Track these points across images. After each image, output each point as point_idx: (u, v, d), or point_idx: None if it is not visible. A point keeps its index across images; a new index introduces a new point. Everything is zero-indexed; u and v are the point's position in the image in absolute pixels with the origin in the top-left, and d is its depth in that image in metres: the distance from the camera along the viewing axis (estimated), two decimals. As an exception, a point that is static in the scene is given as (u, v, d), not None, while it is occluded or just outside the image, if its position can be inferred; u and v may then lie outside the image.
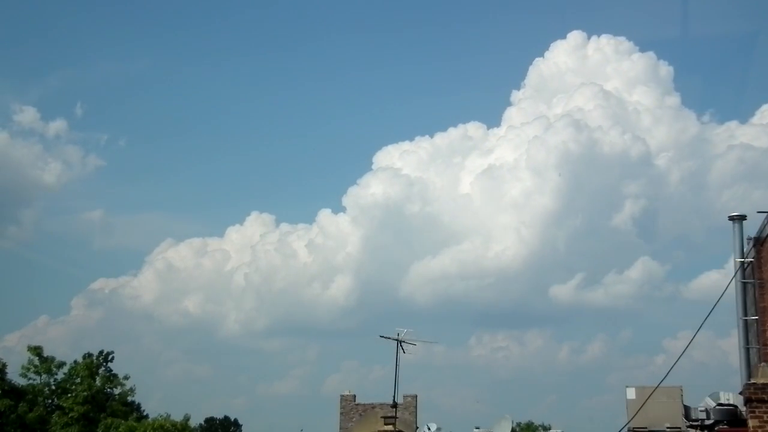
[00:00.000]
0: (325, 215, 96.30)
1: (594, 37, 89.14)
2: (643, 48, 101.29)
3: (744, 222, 17.63)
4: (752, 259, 17.58)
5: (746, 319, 17.34)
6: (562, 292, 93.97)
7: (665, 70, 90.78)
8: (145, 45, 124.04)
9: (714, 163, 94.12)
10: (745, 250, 17.72)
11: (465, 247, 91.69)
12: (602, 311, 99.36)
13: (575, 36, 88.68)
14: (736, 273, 17.40)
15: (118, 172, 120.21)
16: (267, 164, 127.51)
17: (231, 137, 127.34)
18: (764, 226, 17.36)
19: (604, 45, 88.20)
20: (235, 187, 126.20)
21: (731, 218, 17.75)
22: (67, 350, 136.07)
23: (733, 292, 17.43)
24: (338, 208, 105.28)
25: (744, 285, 17.43)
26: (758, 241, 17.53)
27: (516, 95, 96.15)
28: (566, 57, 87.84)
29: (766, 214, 17.30)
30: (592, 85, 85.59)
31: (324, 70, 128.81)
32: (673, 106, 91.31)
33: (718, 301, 16.65)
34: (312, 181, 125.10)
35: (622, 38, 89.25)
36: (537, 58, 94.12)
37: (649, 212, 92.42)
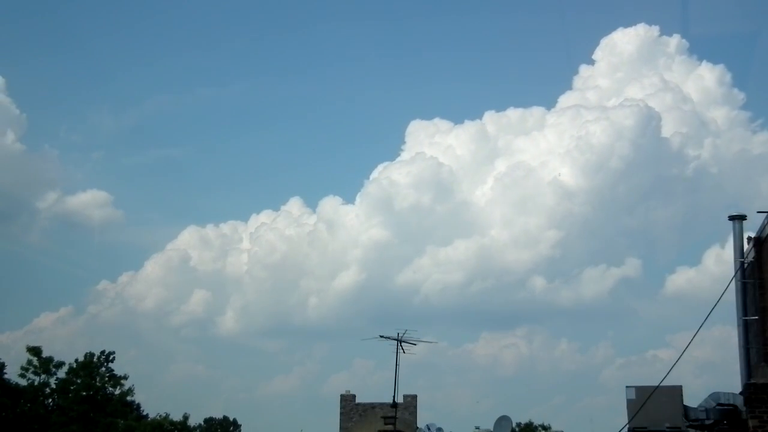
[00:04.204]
0: (335, 207, 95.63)
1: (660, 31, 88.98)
2: (714, 60, 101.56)
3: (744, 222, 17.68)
4: (752, 259, 17.56)
5: (746, 319, 17.33)
6: (564, 291, 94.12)
7: (737, 94, 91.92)
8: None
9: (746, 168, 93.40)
10: (745, 250, 17.72)
11: (476, 245, 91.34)
12: (604, 310, 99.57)
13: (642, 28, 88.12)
14: (736, 273, 17.38)
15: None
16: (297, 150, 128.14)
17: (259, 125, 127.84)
18: (764, 226, 17.35)
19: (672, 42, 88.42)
20: (268, 174, 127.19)
21: (731, 218, 17.74)
22: (68, 349, 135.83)
23: (733, 292, 17.46)
24: (351, 199, 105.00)
25: (744, 285, 17.42)
26: (758, 241, 17.51)
27: (568, 85, 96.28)
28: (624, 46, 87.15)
29: (766, 214, 17.29)
30: (651, 77, 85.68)
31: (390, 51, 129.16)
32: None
33: (718, 301, 16.66)
34: (329, 172, 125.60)
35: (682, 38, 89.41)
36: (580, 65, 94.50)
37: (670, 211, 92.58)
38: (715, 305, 16.50)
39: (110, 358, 59.80)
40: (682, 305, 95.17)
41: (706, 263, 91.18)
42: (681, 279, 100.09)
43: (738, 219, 17.70)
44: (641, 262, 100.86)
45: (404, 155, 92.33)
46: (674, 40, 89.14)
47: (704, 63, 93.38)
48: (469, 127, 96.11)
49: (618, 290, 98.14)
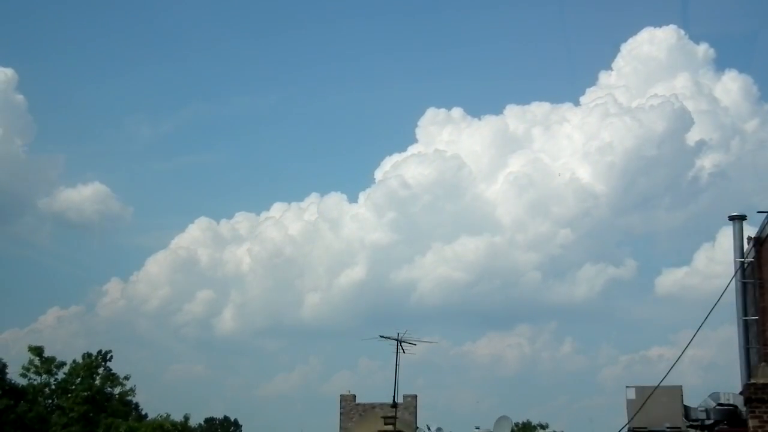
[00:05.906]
0: (341, 204, 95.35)
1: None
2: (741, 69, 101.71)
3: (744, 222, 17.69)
4: (752, 259, 17.57)
5: (746, 319, 17.35)
6: (564, 291, 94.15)
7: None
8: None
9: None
10: (745, 250, 17.73)
11: (481, 244, 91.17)
12: (605, 310, 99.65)
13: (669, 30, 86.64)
14: (736, 273, 17.40)
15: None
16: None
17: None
18: (764, 226, 17.37)
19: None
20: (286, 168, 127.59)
21: (731, 218, 17.75)
22: (68, 348, 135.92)
23: (733, 292, 17.47)
24: (354, 198, 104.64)
25: (744, 285, 17.43)
26: (758, 241, 17.53)
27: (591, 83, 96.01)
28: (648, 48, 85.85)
29: (766, 214, 17.31)
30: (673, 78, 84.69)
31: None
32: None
33: (718, 301, 16.68)
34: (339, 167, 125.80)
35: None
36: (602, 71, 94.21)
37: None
38: (715, 305, 16.54)
39: (108, 357, 59.71)
40: (683, 305, 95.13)
41: (708, 263, 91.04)
42: (685, 278, 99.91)
43: (738, 219, 17.71)
44: (638, 263, 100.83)
45: (414, 148, 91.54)
46: (701, 48, 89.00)
47: (728, 71, 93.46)
48: (489, 121, 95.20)
49: (616, 290, 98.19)
